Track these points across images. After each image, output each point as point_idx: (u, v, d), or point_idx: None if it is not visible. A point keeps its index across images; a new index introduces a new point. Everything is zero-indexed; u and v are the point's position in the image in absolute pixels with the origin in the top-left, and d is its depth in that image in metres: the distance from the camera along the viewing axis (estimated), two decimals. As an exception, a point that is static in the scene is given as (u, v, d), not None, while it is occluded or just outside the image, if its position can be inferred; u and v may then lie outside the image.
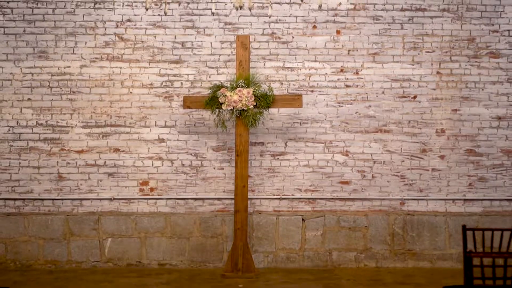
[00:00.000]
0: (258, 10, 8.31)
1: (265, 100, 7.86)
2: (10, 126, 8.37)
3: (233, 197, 8.06)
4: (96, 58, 8.41)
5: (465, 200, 8.47)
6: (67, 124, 8.40)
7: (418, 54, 8.48)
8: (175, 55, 8.43)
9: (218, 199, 8.44)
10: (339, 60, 8.47)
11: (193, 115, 8.40)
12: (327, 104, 8.46)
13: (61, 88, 8.39)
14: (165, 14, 6.10)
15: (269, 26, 8.38)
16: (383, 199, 8.47)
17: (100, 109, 8.40)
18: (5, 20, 8.34)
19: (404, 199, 8.47)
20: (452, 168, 8.47)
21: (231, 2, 8.23)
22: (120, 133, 8.41)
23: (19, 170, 8.39)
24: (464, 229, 5.00)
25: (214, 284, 7.42)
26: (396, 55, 8.49)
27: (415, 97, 8.49)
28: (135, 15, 8.37)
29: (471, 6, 8.44)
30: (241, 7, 5.23)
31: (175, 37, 8.41)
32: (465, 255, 3.95)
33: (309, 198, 8.47)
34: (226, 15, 8.38)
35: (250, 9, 5.65)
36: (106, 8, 8.38)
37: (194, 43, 8.43)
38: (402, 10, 8.46)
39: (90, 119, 8.40)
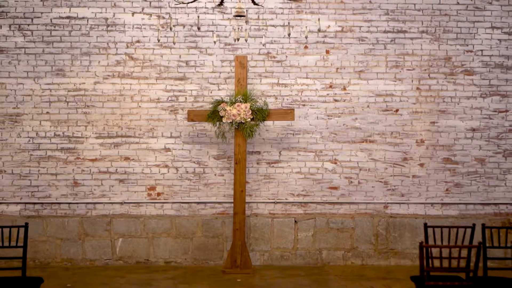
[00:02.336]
0: (255, 32, 9.02)
1: (261, 114, 8.54)
2: (30, 137, 9.06)
3: (232, 201, 8.72)
4: (108, 75, 9.11)
5: (442, 204, 9.20)
6: (82, 135, 9.09)
7: (400, 71, 9.21)
8: (180, 72, 9.13)
9: (219, 203, 9.14)
10: (328, 77, 9.18)
11: (196, 127, 9.11)
12: (317, 117, 9.18)
13: (76, 103, 9.09)
14: (174, 43, 6.81)
15: (265, 46, 8.98)
16: (368, 203, 9.19)
17: (112, 122, 9.11)
18: (26, 41, 9.06)
19: (387, 203, 9.20)
20: (430, 175, 9.20)
21: (231, 25, 9.03)
22: (130, 143, 9.12)
23: (38, 177, 9.06)
24: (426, 226, 5.82)
25: (215, 279, 8.15)
26: (379, 72, 9.21)
27: (397, 110, 9.23)
28: (144, 36, 9.08)
29: (447, 28, 9.21)
30: (238, 39, 6.04)
31: (180, 56, 9.10)
32: (420, 246, 4.78)
33: (301, 202, 9.18)
34: (226, 37, 9.08)
35: (246, 40, 6.44)
36: (117, 30, 9.09)
37: (197, 62, 9.13)
38: (385, 32, 9.20)
39: (103, 130, 9.10)
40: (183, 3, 5.63)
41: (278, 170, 9.17)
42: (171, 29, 5.64)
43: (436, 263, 5.80)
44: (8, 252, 6.93)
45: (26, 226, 6.10)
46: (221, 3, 5.87)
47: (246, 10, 5.79)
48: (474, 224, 6.04)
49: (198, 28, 6.15)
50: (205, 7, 9.03)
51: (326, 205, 9.19)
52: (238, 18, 5.82)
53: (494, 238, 7.78)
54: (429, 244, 4.76)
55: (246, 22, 5.51)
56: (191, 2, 5.54)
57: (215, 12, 8.99)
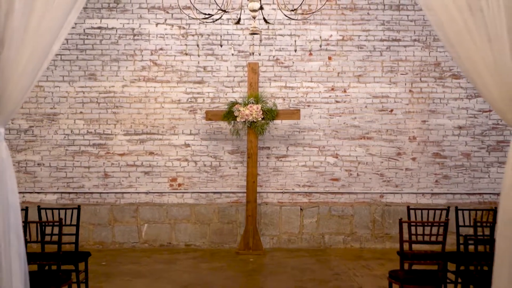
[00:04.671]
0: (265, 40, 10.00)
1: (270, 114, 9.48)
2: (66, 134, 10.07)
3: (245, 191, 9.68)
4: (135, 79, 10.09)
5: (432, 194, 10.17)
6: (111, 132, 10.09)
7: (394, 76, 10.15)
8: (198, 76, 10.08)
9: (233, 192, 10.10)
10: (330, 80, 10.13)
11: (212, 125, 10.07)
12: (320, 116, 10.14)
13: (106, 104, 10.09)
14: (198, 56, 7.88)
15: (274, 53, 10.02)
16: (366, 193, 10.15)
17: (138, 120, 10.09)
18: (61, 49, 10.03)
19: (383, 193, 10.17)
20: (422, 168, 10.17)
21: (243, 35, 10.06)
22: (154, 139, 10.11)
23: (73, 169, 10.08)
24: (408, 208, 6.91)
25: (231, 259, 9.18)
26: (376, 76, 10.15)
27: (391, 110, 10.18)
28: (166, 45, 10.07)
29: (437, 37, 10.11)
30: (254, 53, 7.12)
31: (198, 62, 10.03)
32: (400, 221, 5.87)
33: (306, 192, 10.13)
34: (239, 45, 10.04)
35: (259, 54, 7.50)
36: (143, 39, 10.09)
37: (214, 67, 10.06)
38: (381, 40, 10.16)
39: (130, 128, 10.09)
40: (206, 22, 6.71)
41: (285, 163, 10.13)
42: (198, 45, 6.69)
43: (418, 247, 6.88)
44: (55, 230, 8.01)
45: (78, 209, 7.20)
46: (238, 21, 6.95)
47: (260, 27, 6.88)
48: (448, 207, 7.11)
49: (221, 45, 7.22)
50: (221, 18, 10.01)
51: (329, 195, 10.13)
52: (253, 35, 6.88)
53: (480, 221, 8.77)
54: (404, 220, 5.81)
55: (260, 40, 6.58)
56: (216, 20, 6.61)
57: (229, 23, 9.98)
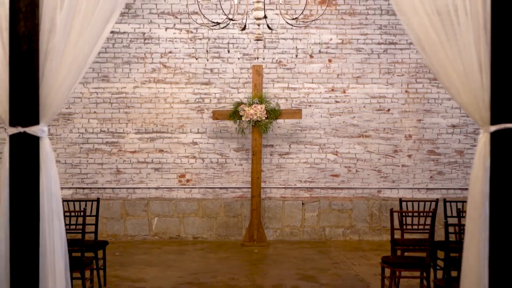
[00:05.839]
0: (268, 44, 10.53)
1: (274, 113, 9.96)
2: (80, 133, 10.59)
3: (250, 186, 10.17)
4: (146, 81, 10.59)
5: (427, 189, 10.67)
6: (123, 131, 10.59)
7: (391, 77, 10.63)
8: (205, 78, 10.59)
9: (238, 188, 10.59)
10: (330, 82, 10.62)
11: (219, 124, 10.56)
12: (321, 116, 10.64)
13: (119, 104, 10.59)
14: (207, 60, 8.46)
15: (277, 56, 10.53)
16: (364, 188, 10.65)
17: (148, 120, 10.59)
18: None
19: (380, 188, 10.66)
20: (417, 164, 10.66)
21: (248, 38, 10.60)
22: (164, 137, 10.60)
23: (87, 166, 10.59)
24: (400, 200, 7.48)
25: (236, 250, 9.72)
26: (374, 78, 10.63)
27: (388, 110, 10.67)
28: (175, 48, 10.59)
29: (432, 40, 10.68)
30: (258, 58, 7.69)
31: (205, 64, 10.50)
32: (391, 211, 6.43)
33: (307, 187, 10.63)
34: (244, 48, 10.59)
35: (263, 58, 8.08)
36: (153, 43, 10.60)
37: (220, 69, 10.56)
38: (379, 43, 10.66)
39: (141, 127, 10.60)
40: (214, 28, 7.28)
41: (288, 160, 10.62)
42: (207, 51, 7.26)
43: (411, 236, 7.45)
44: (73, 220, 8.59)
45: (98, 201, 7.79)
46: (244, 28, 7.52)
47: (264, 31, 7.45)
48: (437, 199, 7.66)
49: (228, 51, 7.80)
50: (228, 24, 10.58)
51: (329, 190, 10.62)
52: (258, 41, 7.45)
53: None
54: (395, 210, 6.38)
55: (264, 46, 7.16)
56: (223, 27, 7.18)
57: (235, 27, 10.49)
